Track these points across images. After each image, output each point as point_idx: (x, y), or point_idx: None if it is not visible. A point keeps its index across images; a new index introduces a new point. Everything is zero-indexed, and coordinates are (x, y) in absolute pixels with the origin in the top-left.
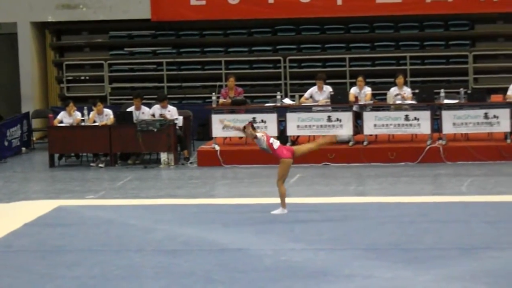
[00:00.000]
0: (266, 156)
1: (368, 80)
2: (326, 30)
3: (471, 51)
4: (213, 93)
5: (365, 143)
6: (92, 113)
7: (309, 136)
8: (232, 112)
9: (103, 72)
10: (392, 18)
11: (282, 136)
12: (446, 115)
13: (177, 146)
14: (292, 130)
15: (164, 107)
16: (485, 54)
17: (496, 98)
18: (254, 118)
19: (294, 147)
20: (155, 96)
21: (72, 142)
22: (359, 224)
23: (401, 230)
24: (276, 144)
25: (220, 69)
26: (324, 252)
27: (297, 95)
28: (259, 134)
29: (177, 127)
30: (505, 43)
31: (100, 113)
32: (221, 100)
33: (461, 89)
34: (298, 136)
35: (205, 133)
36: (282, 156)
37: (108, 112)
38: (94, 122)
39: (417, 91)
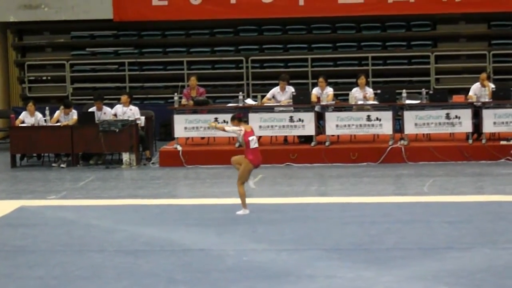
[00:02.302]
0: (228, 157)
1: (330, 80)
2: (288, 31)
3: (433, 52)
4: (175, 93)
5: (327, 143)
6: (57, 113)
7: (271, 136)
8: (195, 112)
9: (65, 72)
10: (354, 18)
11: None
12: (408, 116)
13: (139, 146)
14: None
15: (126, 104)
16: (447, 54)
17: (458, 98)
18: (216, 118)
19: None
20: (118, 97)
21: (34, 142)
22: (321, 224)
23: (363, 231)
24: (253, 144)
25: (183, 69)
26: (287, 253)
27: (259, 95)
28: (237, 128)
29: (139, 127)
30: (467, 44)
31: (67, 114)
32: (183, 100)
33: (423, 89)
34: (260, 137)
35: (167, 134)
36: (247, 157)
37: (73, 112)
38: (57, 122)
39: (379, 91)
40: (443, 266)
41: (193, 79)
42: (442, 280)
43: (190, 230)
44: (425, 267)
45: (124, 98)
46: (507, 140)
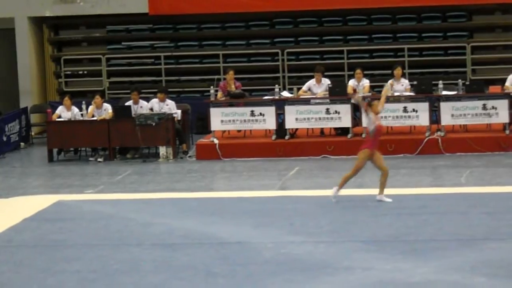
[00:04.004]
0: (264, 149)
1: (366, 72)
2: (323, 23)
3: (469, 42)
4: (211, 87)
5: (363, 135)
6: (90, 108)
7: (307, 129)
8: (231, 105)
9: (101, 66)
10: (390, 10)
11: (280, 129)
12: (444, 107)
13: (176, 140)
14: (290, 123)
15: (162, 100)
16: (483, 45)
17: (494, 89)
18: (252, 111)
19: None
20: (154, 90)
21: (71, 137)
22: (358, 216)
23: (400, 222)
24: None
25: (218, 62)
26: (324, 245)
27: (295, 88)
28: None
29: (176, 121)
30: (503, 34)
31: (98, 107)
32: (220, 94)
33: (459, 80)
34: (296, 129)
35: (204, 127)
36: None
37: (107, 106)
38: (93, 116)
39: (415, 82)
40: (481, 257)
41: (230, 73)
42: (480, 271)
43: (227, 223)
44: (463, 258)
45: (160, 96)
46: None
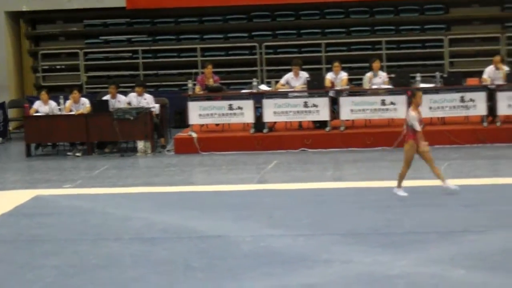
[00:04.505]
0: (243, 143)
1: (344, 65)
2: (301, 16)
3: (447, 35)
4: (189, 81)
5: (342, 128)
6: (68, 102)
7: (286, 122)
8: (209, 99)
9: (78, 61)
10: (367, 3)
11: (258, 122)
12: (423, 99)
13: (154, 134)
14: (268, 117)
15: (140, 94)
16: (461, 37)
17: (472, 81)
18: (230, 105)
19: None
20: (132, 84)
21: (49, 132)
22: (337, 209)
23: (379, 215)
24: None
25: (196, 56)
26: (303, 238)
27: (273, 81)
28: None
29: (154, 115)
30: (481, 27)
31: (76, 102)
32: (198, 88)
33: (437, 73)
34: (274, 122)
35: (182, 121)
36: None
37: (85, 101)
38: (71, 111)
39: (393, 75)
40: (460, 249)
41: (209, 67)
42: (460, 263)
43: (206, 216)
44: (442, 250)
45: (138, 90)
46: None
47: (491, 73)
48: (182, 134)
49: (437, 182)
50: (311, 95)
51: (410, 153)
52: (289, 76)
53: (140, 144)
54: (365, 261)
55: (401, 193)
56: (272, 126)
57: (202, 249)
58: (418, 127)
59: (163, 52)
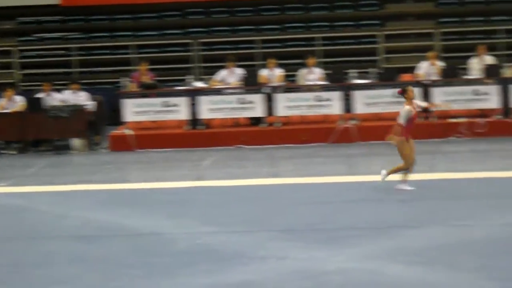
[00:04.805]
0: (178, 140)
1: (279, 61)
2: (236, 13)
3: (382, 31)
4: (124, 78)
5: (277, 124)
6: (2, 100)
7: (221, 118)
8: (143, 96)
9: (12, 59)
10: None
11: (194, 119)
12: (357, 95)
13: (89, 131)
14: (204, 113)
15: (75, 92)
16: (396, 33)
17: (406, 77)
18: (165, 102)
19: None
20: (67, 82)
21: None
22: (273, 205)
23: (315, 211)
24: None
25: (131, 53)
26: (239, 235)
27: (208, 78)
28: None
29: (89, 113)
30: (415, 22)
31: (10, 100)
32: (133, 85)
33: (372, 69)
34: (210, 119)
35: (117, 118)
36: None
37: (19, 98)
38: (5, 109)
39: (328, 71)
40: (396, 244)
41: (144, 64)
42: (395, 258)
43: (142, 214)
44: (378, 246)
45: (73, 87)
46: (456, 117)
47: (425, 69)
48: (117, 131)
49: (372, 178)
50: (246, 91)
51: (406, 149)
52: (224, 72)
53: (75, 142)
54: (301, 257)
55: (406, 187)
56: (208, 123)
57: (138, 246)
58: (402, 120)
59: (97, 49)
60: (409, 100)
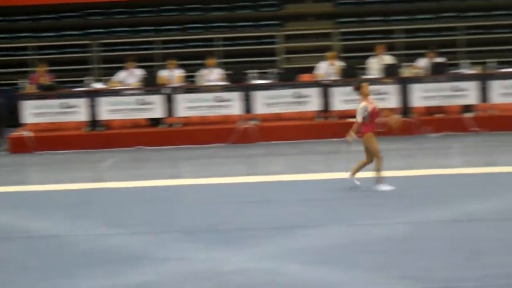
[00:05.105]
0: (78, 141)
1: (179, 62)
2: (135, 13)
3: (281, 31)
4: (23, 79)
5: (177, 125)
6: None
7: (121, 119)
8: (42, 98)
9: None
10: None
11: (93, 120)
12: (257, 96)
13: None
14: (103, 115)
15: None
16: (295, 33)
17: (306, 77)
18: (64, 103)
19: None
20: None
21: None
22: (173, 206)
23: (215, 212)
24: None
25: (30, 54)
26: (139, 236)
27: (108, 79)
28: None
29: None
30: (314, 22)
31: None
32: (31, 86)
33: (272, 69)
34: (110, 120)
35: (16, 120)
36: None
37: None
38: None
39: (228, 72)
40: (296, 244)
41: (42, 66)
42: (295, 258)
43: (42, 216)
44: (278, 245)
45: None
46: (355, 117)
47: (325, 69)
48: (16, 133)
49: (272, 178)
50: (146, 92)
51: (375, 144)
52: (123, 73)
53: None
54: (201, 258)
55: (386, 187)
56: (108, 124)
57: (37, 249)
58: (359, 118)
59: None
60: (364, 96)
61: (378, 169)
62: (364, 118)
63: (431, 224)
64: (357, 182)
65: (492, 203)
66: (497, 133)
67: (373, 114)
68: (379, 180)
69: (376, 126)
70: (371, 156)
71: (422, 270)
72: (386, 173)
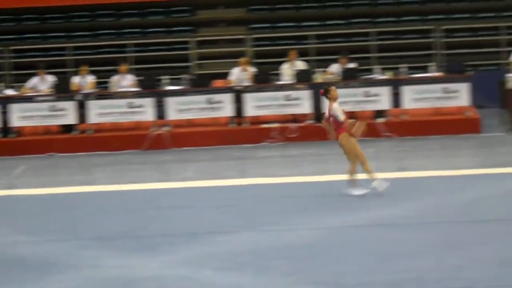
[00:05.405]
0: None
1: (91, 68)
2: (46, 19)
3: (194, 37)
4: None
5: (89, 132)
6: None
7: (33, 126)
8: None
9: None
10: (113, 5)
11: (5, 127)
12: (170, 102)
13: None
14: (15, 121)
15: None
16: (208, 39)
17: (219, 83)
18: None
19: None
20: None
21: None
22: (86, 213)
23: (128, 218)
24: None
25: None
26: (51, 243)
27: (20, 85)
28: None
29: None
30: (227, 28)
31: None
32: None
33: (185, 75)
34: (22, 127)
35: None
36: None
37: None
38: None
39: (140, 78)
40: (209, 250)
41: None
42: (208, 264)
43: None
44: (191, 252)
45: None
46: (268, 123)
47: (238, 75)
48: None
49: (185, 184)
50: (58, 99)
51: (353, 144)
52: (35, 80)
53: None
54: (114, 265)
55: (359, 191)
56: (19, 131)
57: None
58: (341, 118)
59: None
60: (333, 99)
61: (352, 172)
62: (337, 118)
63: (343, 229)
64: (384, 184)
65: (402, 208)
66: (408, 138)
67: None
68: (352, 183)
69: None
70: (353, 156)
71: (333, 274)
72: (360, 176)
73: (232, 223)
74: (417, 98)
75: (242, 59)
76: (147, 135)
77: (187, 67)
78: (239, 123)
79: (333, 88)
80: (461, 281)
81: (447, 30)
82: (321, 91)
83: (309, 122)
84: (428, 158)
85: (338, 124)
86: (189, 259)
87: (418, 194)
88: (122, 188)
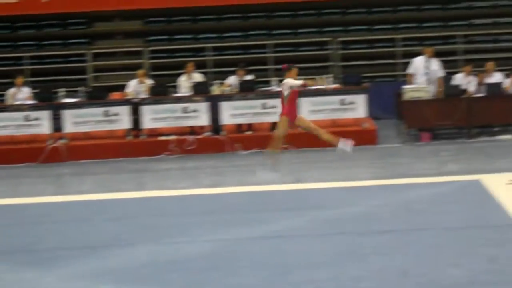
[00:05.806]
0: None
1: None
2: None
3: (90, 49)
4: None
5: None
6: None
7: None
8: None
9: None
10: (10, 18)
11: None
12: (66, 114)
13: None
14: None
15: None
16: (104, 51)
17: (116, 95)
18: None
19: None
20: None
21: None
22: None
23: (23, 232)
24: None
25: None
26: None
27: None
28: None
29: None
30: (124, 40)
31: None
32: None
33: (81, 87)
34: None
35: None
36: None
37: None
38: None
39: (36, 91)
40: (107, 263)
41: None
42: (105, 278)
43: None
44: (88, 266)
45: None
46: (166, 135)
47: (135, 87)
48: None
49: (81, 197)
50: None
51: (284, 129)
52: None
53: None
54: (9, 279)
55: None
56: None
57: None
58: (300, 83)
59: None
60: (294, 78)
61: (332, 140)
62: (284, 99)
63: (241, 241)
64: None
65: (299, 220)
66: (305, 150)
67: (294, 97)
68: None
69: (296, 110)
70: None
71: (233, 287)
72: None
73: (130, 236)
74: (314, 110)
75: (139, 72)
76: (43, 148)
77: (83, 79)
78: (137, 136)
79: (295, 70)
80: None
81: (344, 42)
82: (284, 65)
83: (206, 134)
84: (325, 169)
85: (283, 106)
86: (86, 273)
87: (315, 206)
88: (18, 201)
